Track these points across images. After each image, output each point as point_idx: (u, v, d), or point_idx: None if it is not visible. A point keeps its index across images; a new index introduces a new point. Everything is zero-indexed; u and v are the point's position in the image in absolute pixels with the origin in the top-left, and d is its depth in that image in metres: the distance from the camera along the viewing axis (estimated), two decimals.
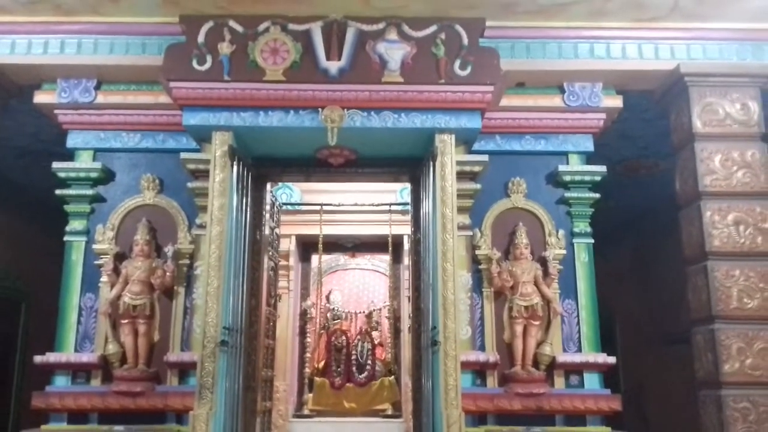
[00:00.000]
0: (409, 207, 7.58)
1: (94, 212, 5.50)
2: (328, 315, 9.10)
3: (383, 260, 9.43)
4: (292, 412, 8.03)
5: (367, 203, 7.99)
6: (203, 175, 5.19)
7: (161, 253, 5.38)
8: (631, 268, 9.55)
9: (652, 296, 9.18)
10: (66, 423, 5.11)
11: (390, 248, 8.14)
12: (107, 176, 5.55)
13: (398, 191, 8.18)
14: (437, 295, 4.77)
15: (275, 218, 6.50)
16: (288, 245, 8.35)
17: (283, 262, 7.74)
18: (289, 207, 8.02)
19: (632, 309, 9.33)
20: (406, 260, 8.32)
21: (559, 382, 5.23)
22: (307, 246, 9.03)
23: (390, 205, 7.94)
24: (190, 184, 5.33)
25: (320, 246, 8.01)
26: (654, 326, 9.03)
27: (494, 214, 5.50)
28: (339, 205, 8.01)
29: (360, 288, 9.97)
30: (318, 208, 7.96)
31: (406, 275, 8.41)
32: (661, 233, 8.82)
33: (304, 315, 8.83)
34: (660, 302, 8.95)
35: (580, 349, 5.30)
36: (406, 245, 8.26)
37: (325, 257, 8.81)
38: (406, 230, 8.02)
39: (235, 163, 5.05)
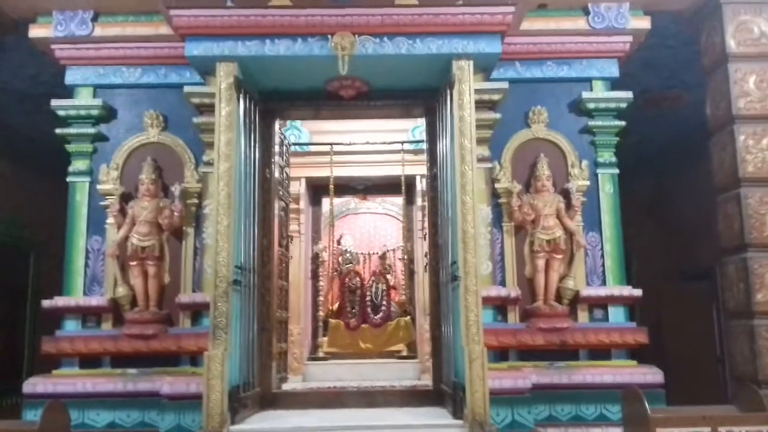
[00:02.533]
0: (421, 145, 7.36)
1: (96, 152, 5.32)
2: (340, 259, 8.95)
3: (395, 204, 9.21)
4: (307, 355, 7.96)
5: (379, 142, 7.73)
6: (209, 109, 4.96)
7: (168, 193, 5.21)
8: (649, 204, 9.31)
9: (670, 232, 8.99)
10: (78, 367, 5.03)
11: (403, 188, 7.89)
12: (108, 113, 5.35)
13: (410, 130, 7.91)
14: (456, 230, 4.57)
15: (285, 158, 6.28)
16: (298, 188, 8.12)
17: (293, 205, 7.53)
18: (299, 148, 7.77)
19: (650, 245, 9.13)
20: (419, 201, 8.13)
21: (583, 316, 5.11)
22: (317, 189, 8.79)
23: (402, 143, 7.67)
24: (195, 120, 5.12)
25: (331, 186, 7.78)
26: (672, 263, 8.86)
27: (514, 145, 5.29)
28: (350, 144, 7.75)
29: (371, 232, 9.79)
30: (328, 148, 7.70)
31: (419, 216, 8.23)
32: (681, 169, 8.57)
33: (315, 259, 8.67)
34: (678, 239, 8.76)
35: (604, 283, 5.16)
36: (419, 186, 8.05)
37: (336, 201, 8.60)
38: (418, 170, 7.81)
39: (241, 96, 4.81)
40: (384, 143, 7.72)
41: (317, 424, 4.54)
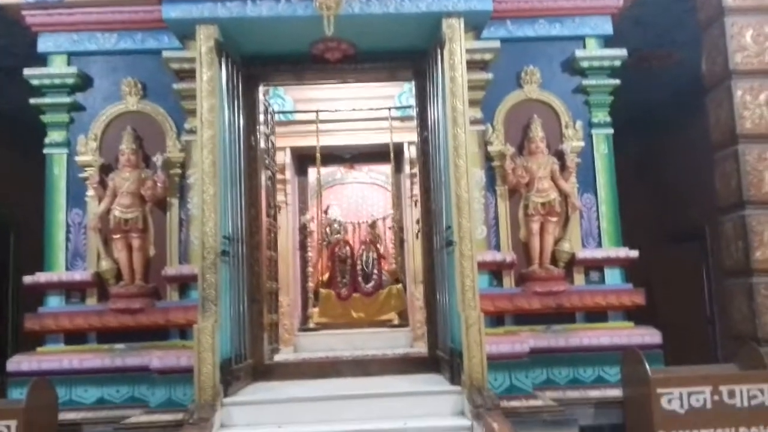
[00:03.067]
0: (409, 111, 7.19)
1: (73, 122, 5.13)
2: (328, 229, 8.81)
3: (381, 173, 9.06)
4: (298, 326, 7.86)
5: (365, 109, 7.53)
6: (189, 75, 4.76)
7: (150, 163, 5.04)
8: (636, 165, 9.22)
9: (659, 193, 8.92)
10: (63, 344, 4.90)
11: (392, 155, 7.73)
12: (84, 82, 5.14)
13: (396, 96, 7.73)
14: (450, 194, 4.46)
15: (270, 126, 6.10)
16: (283, 158, 7.94)
17: (279, 176, 7.36)
18: (283, 116, 7.57)
19: (639, 206, 9.09)
20: (407, 169, 7.98)
21: (579, 278, 5.05)
22: (303, 159, 8.61)
23: (390, 109, 7.49)
24: (175, 86, 4.93)
25: (318, 155, 7.61)
26: (660, 224, 8.82)
27: (506, 107, 5.16)
28: (336, 111, 7.56)
29: (359, 202, 9.65)
30: (313, 116, 7.50)
31: (407, 184, 8.09)
32: (670, 129, 8.47)
33: (303, 229, 8.54)
34: (667, 199, 8.70)
35: (600, 245, 5.09)
36: (407, 153, 7.89)
37: (323, 171, 8.44)
38: (406, 137, 7.65)
39: (223, 60, 4.62)
40: (371, 109, 7.53)
41: (313, 394, 4.46)
